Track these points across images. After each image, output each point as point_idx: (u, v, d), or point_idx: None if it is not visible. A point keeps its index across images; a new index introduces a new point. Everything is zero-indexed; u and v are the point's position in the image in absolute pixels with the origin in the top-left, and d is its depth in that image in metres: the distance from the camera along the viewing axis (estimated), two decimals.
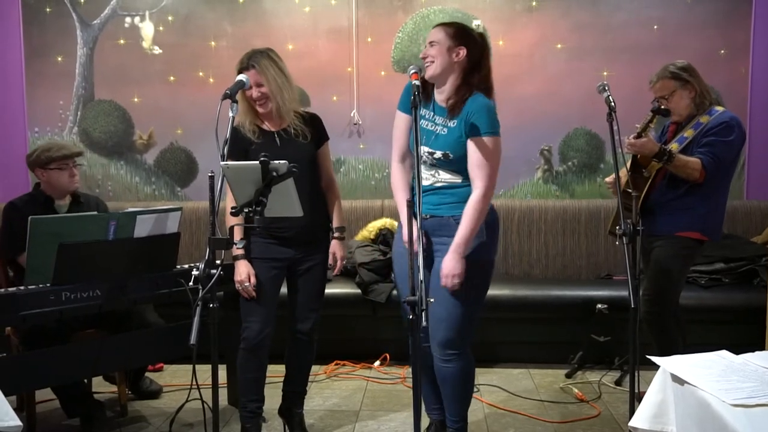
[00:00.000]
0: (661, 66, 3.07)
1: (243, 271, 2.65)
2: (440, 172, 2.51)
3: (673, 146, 2.94)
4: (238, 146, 2.66)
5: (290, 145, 2.72)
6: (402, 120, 2.64)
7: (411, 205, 2.19)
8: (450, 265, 2.39)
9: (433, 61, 2.47)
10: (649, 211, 2.98)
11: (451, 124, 2.49)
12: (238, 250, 2.63)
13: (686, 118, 3.00)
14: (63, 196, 3.16)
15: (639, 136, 2.87)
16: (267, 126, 2.75)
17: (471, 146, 2.44)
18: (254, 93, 2.67)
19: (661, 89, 2.99)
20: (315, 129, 2.81)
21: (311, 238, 2.78)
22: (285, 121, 2.75)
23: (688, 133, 2.94)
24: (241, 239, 2.31)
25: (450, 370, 2.54)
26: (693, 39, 4.43)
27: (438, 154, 2.46)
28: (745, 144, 3.00)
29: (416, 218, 2.11)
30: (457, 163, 2.47)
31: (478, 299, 2.53)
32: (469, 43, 2.50)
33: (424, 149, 2.49)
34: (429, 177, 2.52)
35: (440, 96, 2.55)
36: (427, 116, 2.55)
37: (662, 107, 2.89)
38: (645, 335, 2.94)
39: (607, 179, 3.14)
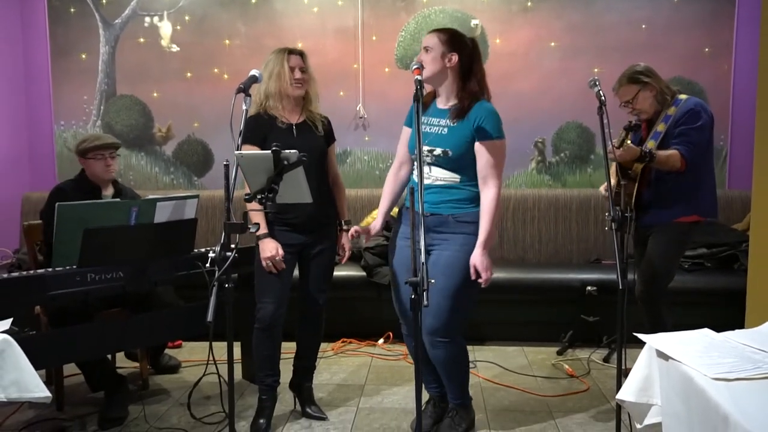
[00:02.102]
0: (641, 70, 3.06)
1: (272, 247, 2.64)
2: (434, 169, 2.49)
3: (650, 143, 2.93)
4: (259, 131, 2.69)
5: (305, 137, 2.74)
6: (405, 133, 2.69)
7: (413, 192, 2.20)
8: (481, 260, 2.38)
9: (424, 67, 2.44)
10: (645, 206, 2.97)
11: (452, 123, 2.47)
12: (261, 231, 2.62)
13: (654, 114, 2.99)
14: (105, 185, 3.16)
15: (619, 147, 2.86)
16: (287, 118, 2.75)
17: (481, 149, 2.43)
18: (297, 74, 2.71)
19: (624, 94, 2.98)
20: (327, 128, 2.86)
21: (319, 225, 2.79)
22: (304, 115, 2.79)
23: (661, 128, 2.94)
24: (255, 223, 2.31)
25: (438, 355, 2.54)
26: (679, 38, 4.40)
27: (438, 151, 2.45)
28: (714, 123, 2.96)
29: (418, 205, 2.11)
30: (454, 162, 2.46)
31: (467, 294, 2.48)
32: (461, 49, 2.48)
33: (424, 148, 2.47)
34: (426, 175, 2.50)
35: (440, 100, 2.56)
36: (426, 121, 2.54)
37: (632, 123, 2.91)
38: (631, 315, 2.93)
39: (602, 188, 3.11)
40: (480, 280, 2.40)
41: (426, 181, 2.49)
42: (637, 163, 2.93)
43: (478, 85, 2.49)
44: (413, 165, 2.61)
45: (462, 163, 2.46)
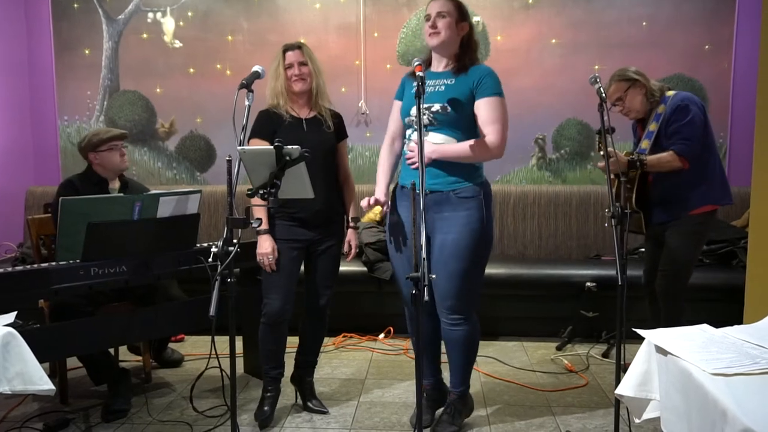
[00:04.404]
0: (649, 64, 3.06)
1: (268, 245, 2.65)
2: (431, 135, 2.45)
3: (644, 143, 2.94)
4: (269, 126, 2.69)
5: (315, 132, 2.74)
6: (396, 106, 2.67)
7: (414, 186, 2.19)
8: (426, 151, 2.34)
9: (440, 32, 2.46)
10: (656, 204, 2.97)
11: (449, 81, 2.48)
12: (261, 227, 2.62)
13: (645, 113, 2.99)
14: (114, 177, 3.17)
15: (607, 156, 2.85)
16: (296, 112, 2.75)
17: (481, 105, 2.43)
18: (296, 70, 2.69)
19: (615, 91, 2.98)
20: (338, 124, 2.85)
21: (327, 220, 2.79)
22: (314, 110, 2.78)
23: (653, 127, 2.94)
24: (257, 218, 2.31)
25: (457, 333, 2.57)
26: (680, 35, 4.39)
27: (436, 107, 2.42)
28: (706, 112, 2.93)
29: (418, 198, 2.10)
30: (453, 120, 2.43)
31: (477, 271, 2.53)
32: (469, 19, 2.54)
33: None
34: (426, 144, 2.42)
35: (438, 64, 2.55)
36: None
37: (606, 128, 2.83)
38: (631, 311, 2.93)
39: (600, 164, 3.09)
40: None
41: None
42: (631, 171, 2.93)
43: (474, 52, 2.55)
44: (405, 136, 2.61)
45: (460, 122, 2.45)
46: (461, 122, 2.44)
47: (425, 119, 2.43)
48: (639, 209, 2.98)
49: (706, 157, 2.93)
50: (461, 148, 2.43)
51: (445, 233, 2.46)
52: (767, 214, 2.86)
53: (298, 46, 2.73)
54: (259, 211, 2.60)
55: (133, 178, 3.38)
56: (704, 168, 2.92)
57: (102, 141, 3.07)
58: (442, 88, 2.47)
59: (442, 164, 2.46)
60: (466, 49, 2.52)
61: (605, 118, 2.43)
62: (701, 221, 2.95)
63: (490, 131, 2.42)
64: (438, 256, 2.48)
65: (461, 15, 2.50)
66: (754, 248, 3.01)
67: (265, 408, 2.78)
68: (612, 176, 2.83)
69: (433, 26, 2.48)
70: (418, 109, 2.12)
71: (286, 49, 2.73)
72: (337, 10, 4.58)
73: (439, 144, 2.44)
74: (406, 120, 2.58)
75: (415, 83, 2.16)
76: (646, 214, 3.00)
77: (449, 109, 2.40)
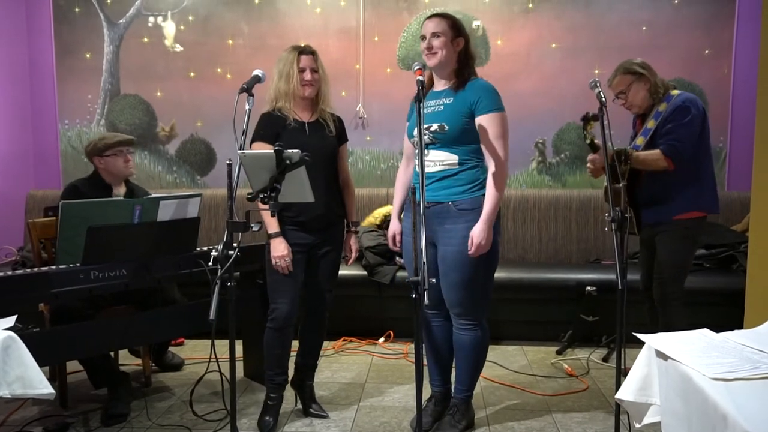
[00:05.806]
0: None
1: (283, 247, 2.63)
2: (432, 152, 2.48)
3: (639, 140, 2.92)
4: (272, 129, 2.69)
5: (317, 135, 2.74)
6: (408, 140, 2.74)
7: (414, 191, 2.20)
8: (479, 233, 2.39)
9: (436, 53, 2.48)
10: (645, 204, 2.95)
11: (447, 101, 2.50)
12: (273, 229, 2.63)
13: (646, 109, 2.97)
14: (120, 183, 3.17)
15: (593, 147, 2.87)
16: (299, 116, 2.75)
17: (482, 122, 2.44)
18: (308, 75, 2.69)
19: (618, 84, 2.97)
20: (339, 127, 2.85)
21: (328, 224, 2.79)
22: (317, 114, 2.78)
23: (650, 124, 2.91)
24: (257, 222, 2.31)
25: (466, 337, 2.59)
26: (679, 39, 4.40)
27: (434, 126, 2.44)
28: (706, 117, 2.91)
29: (419, 204, 2.11)
30: (451, 138, 2.45)
31: (483, 279, 2.54)
32: (464, 33, 2.54)
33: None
34: (426, 163, 2.49)
35: (438, 82, 2.57)
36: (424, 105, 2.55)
37: (591, 114, 2.79)
38: (631, 315, 2.92)
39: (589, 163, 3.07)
40: (470, 252, 2.42)
41: (426, 170, 2.49)
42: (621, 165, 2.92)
43: (472, 67, 2.56)
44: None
45: (459, 139, 2.46)
46: (460, 140, 2.47)
47: (426, 138, 2.47)
48: (630, 207, 2.95)
49: (699, 162, 2.89)
50: (491, 200, 2.43)
51: (446, 245, 2.50)
52: (767, 218, 2.86)
53: (312, 52, 2.72)
54: (267, 216, 2.58)
55: (137, 185, 3.37)
56: (695, 172, 2.88)
57: (107, 146, 3.07)
58: (441, 108, 2.50)
59: (443, 176, 2.49)
60: (464, 64, 2.53)
61: (605, 122, 2.42)
62: (689, 226, 2.90)
63: (494, 148, 2.44)
64: (441, 267, 2.52)
65: (456, 32, 2.51)
66: (754, 253, 3.01)
67: (267, 418, 2.76)
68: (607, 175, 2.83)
69: (429, 47, 2.50)
70: (418, 112, 2.13)
71: (301, 52, 2.70)
72: (338, 14, 4.59)
73: (486, 214, 2.42)
74: (411, 141, 2.64)
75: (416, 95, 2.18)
76: (638, 215, 2.98)
77: (446, 128, 2.43)
